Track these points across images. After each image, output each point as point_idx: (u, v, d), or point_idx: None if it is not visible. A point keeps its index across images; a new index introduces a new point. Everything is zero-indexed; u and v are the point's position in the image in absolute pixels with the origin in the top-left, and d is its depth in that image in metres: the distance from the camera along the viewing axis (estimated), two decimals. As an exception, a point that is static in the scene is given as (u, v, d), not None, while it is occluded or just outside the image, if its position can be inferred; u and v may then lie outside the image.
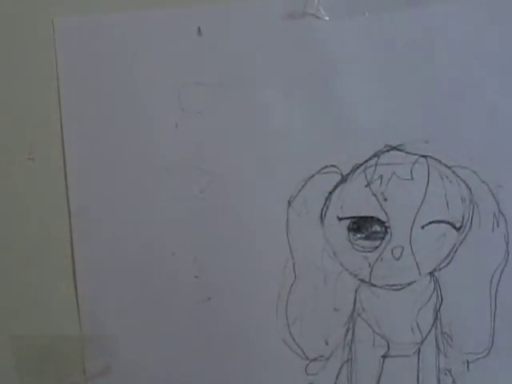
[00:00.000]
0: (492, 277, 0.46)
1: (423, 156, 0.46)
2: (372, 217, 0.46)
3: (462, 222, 0.46)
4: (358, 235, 0.46)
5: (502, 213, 0.45)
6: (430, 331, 0.46)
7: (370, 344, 0.47)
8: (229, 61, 0.46)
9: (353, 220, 0.46)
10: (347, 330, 0.47)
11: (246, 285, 0.48)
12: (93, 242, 0.48)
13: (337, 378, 0.47)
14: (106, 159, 0.48)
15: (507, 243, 0.46)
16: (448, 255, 0.46)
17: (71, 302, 0.48)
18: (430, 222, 0.46)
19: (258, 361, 0.48)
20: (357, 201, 0.46)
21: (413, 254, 0.46)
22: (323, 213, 0.46)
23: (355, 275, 0.47)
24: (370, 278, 0.46)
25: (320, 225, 0.47)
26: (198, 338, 0.48)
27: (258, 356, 0.48)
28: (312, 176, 0.46)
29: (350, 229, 0.46)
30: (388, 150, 0.46)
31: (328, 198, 0.46)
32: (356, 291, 0.47)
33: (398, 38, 0.45)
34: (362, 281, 0.47)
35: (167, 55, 0.47)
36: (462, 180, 0.46)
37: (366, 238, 0.46)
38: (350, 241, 0.46)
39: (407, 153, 0.46)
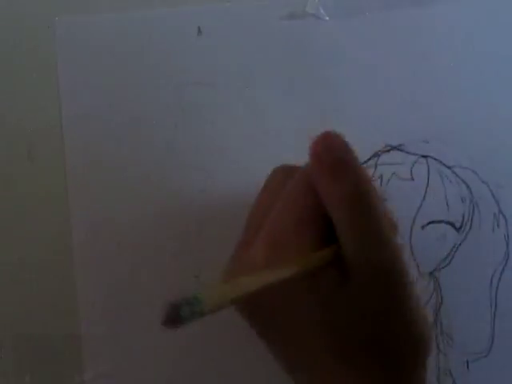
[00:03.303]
0: (492, 277, 0.46)
1: (423, 156, 0.46)
2: (372, 217, 0.46)
3: (462, 222, 0.46)
4: (358, 235, 0.46)
5: (502, 213, 0.45)
6: (430, 331, 0.46)
7: (370, 344, 0.47)
8: (229, 61, 0.46)
9: (353, 220, 0.46)
10: (347, 330, 0.47)
11: (246, 285, 0.47)
12: (93, 241, 0.48)
13: (337, 378, 0.47)
14: (106, 159, 0.48)
15: (507, 243, 0.46)
16: (448, 255, 0.46)
17: (71, 301, 0.48)
18: (430, 222, 0.45)
19: (258, 362, 0.48)
20: (357, 201, 0.46)
21: (413, 254, 0.46)
22: (323, 213, 0.46)
23: (355, 275, 0.46)
24: (370, 278, 0.46)
25: (320, 225, 0.46)
26: (198, 339, 0.48)
27: (258, 357, 0.48)
28: (312, 176, 0.46)
29: (350, 229, 0.46)
30: (388, 150, 0.46)
31: (328, 198, 0.46)
32: (356, 291, 0.47)
33: (398, 37, 0.45)
34: (362, 281, 0.46)
35: (167, 55, 0.47)
36: (462, 180, 0.46)
37: (366, 238, 0.46)
38: (349, 241, 0.46)
39: (407, 153, 0.46)
